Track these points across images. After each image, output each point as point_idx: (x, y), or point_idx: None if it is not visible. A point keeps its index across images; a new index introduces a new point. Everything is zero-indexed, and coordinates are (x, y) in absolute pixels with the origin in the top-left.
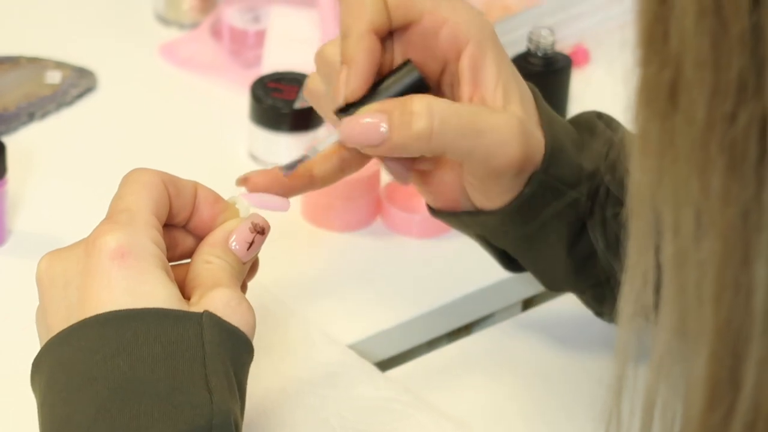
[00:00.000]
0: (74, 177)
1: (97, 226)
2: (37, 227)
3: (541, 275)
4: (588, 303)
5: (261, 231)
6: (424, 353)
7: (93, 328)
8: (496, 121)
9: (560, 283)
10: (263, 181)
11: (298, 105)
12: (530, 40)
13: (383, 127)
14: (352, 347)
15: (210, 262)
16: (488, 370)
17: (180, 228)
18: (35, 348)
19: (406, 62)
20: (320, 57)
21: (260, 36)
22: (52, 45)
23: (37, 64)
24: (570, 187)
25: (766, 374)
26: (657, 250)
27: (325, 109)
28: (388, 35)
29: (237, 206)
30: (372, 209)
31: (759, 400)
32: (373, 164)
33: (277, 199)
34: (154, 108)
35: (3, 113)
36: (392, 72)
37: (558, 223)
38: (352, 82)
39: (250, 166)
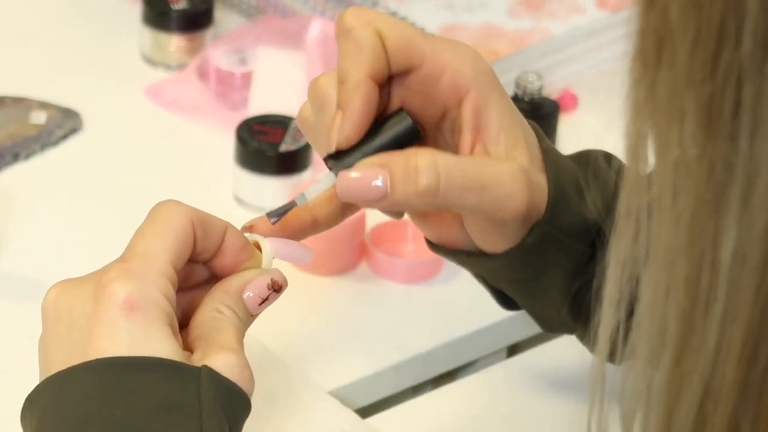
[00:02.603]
0: (58, 218)
1: (111, 266)
2: (19, 268)
3: (537, 318)
4: (587, 344)
5: (278, 288)
6: (408, 399)
7: (92, 373)
8: (501, 173)
9: (557, 327)
10: (269, 230)
11: (284, 148)
12: (517, 84)
13: (383, 182)
14: (334, 393)
15: (220, 311)
16: (472, 416)
17: (199, 263)
18: (19, 388)
19: (399, 110)
20: (314, 88)
21: (247, 78)
22: (37, 85)
23: (22, 104)
24: (571, 237)
25: (728, 333)
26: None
27: (315, 139)
28: (386, 80)
29: (261, 251)
30: (357, 253)
31: (719, 362)
32: None
33: (300, 250)
34: (140, 149)
35: None
36: (384, 119)
37: (557, 271)
38: (345, 129)
39: (235, 209)
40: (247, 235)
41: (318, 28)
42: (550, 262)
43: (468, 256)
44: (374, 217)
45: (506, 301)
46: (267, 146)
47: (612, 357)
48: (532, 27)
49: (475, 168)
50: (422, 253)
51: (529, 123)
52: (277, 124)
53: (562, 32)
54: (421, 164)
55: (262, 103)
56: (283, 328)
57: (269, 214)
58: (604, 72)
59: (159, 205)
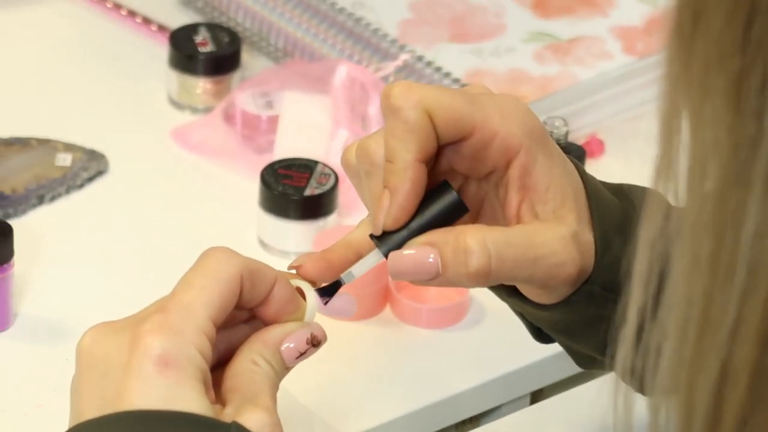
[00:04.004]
0: (82, 261)
1: (150, 316)
2: (43, 311)
3: (572, 355)
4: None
5: (317, 343)
6: None
7: (122, 425)
8: (551, 242)
9: (592, 366)
10: (315, 269)
11: (309, 192)
12: None
13: (434, 262)
14: None
15: (257, 364)
16: None
17: (242, 309)
18: None
19: (443, 183)
20: (363, 151)
21: (273, 121)
22: (63, 127)
23: (47, 146)
24: (614, 293)
25: (745, 311)
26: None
27: (358, 186)
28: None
29: (304, 298)
30: (381, 298)
31: (736, 341)
32: None
33: (344, 303)
34: (165, 192)
35: (12, 195)
36: (429, 193)
37: (600, 322)
38: (393, 213)
39: (260, 253)
40: (292, 281)
41: (344, 72)
42: (594, 315)
43: (508, 296)
44: None
45: (541, 336)
46: (292, 190)
47: (637, 347)
48: (559, 72)
49: (525, 241)
50: (446, 299)
51: (572, 160)
52: (303, 168)
53: (588, 78)
54: (470, 245)
55: (288, 146)
56: (306, 373)
57: (320, 293)
58: (631, 118)
59: (210, 253)
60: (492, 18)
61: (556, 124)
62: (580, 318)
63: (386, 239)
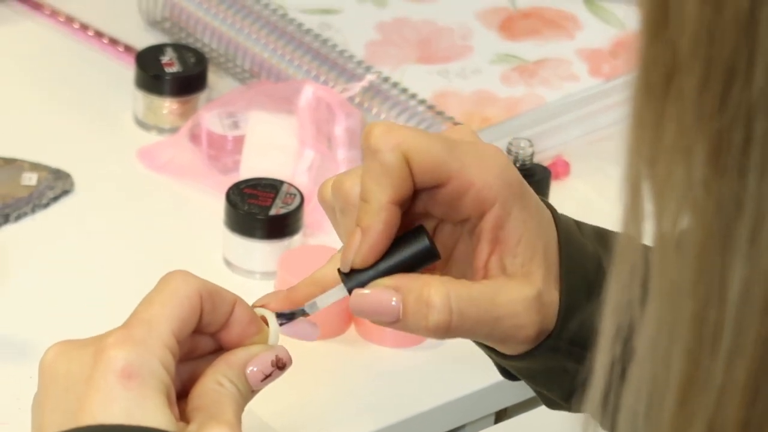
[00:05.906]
0: (47, 280)
1: (113, 332)
2: (7, 330)
3: (540, 397)
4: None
5: (282, 366)
6: None
7: None
8: (513, 302)
9: (559, 408)
10: (280, 308)
11: (275, 212)
12: (509, 151)
13: (396, 304)
14: None
15: (222, 384)
16: None
17: (205, 334)
18: None
19: (418, 227)
20: (338, 189)
21: (239, 141)
22: (29, 146)
23: (13, 165)
24: (578, 346)
25: (733, 371)
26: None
27: (333, 221)
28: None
29: (268, 327)
30: (345, 317)
31: (723, 401)
32: None
33: (307, 328)
34: (131, 212)
35: None
36: (403, 236)
37: (563, 374)
38: (363, 251)
39: (225, 273)
40: (256, 309)
41: (310, 92)
42: (558, 367)
43: (471, 339)
44: None
45: (509, 374)
46: (257, 210)
47: (604, 406)
48: (525, 94)
49: (488, 300)
50: None
51: (545, 203)
52: (268, 187)
53: (554, 99)
54: (433, 299)
55: (253, 166)
56: (270, 392)
57: (278, 315)
58: (597, 139)
59: (169, 275)
60: (458, 40)
61: (522, 145)
62: (543, 368)
63: (353, 276)
